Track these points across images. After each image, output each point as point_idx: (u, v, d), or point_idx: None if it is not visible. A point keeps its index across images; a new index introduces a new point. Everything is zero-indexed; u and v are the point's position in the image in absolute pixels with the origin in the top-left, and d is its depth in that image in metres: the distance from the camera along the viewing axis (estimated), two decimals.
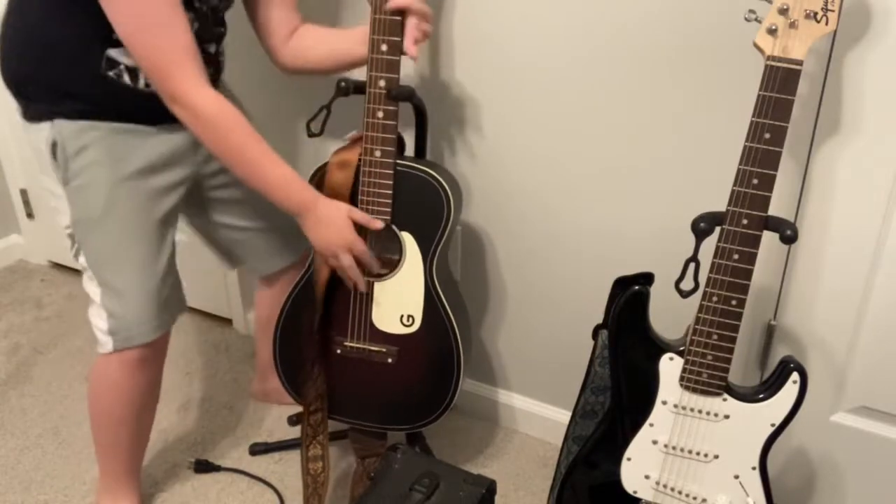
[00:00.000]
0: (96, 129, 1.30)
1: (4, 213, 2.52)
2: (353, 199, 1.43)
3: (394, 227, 1.44)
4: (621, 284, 1.23)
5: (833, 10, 1.03)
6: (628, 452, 1.27)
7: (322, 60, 1.47)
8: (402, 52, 1.33)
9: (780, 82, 1.06)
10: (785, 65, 1.06)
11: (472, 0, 1.51)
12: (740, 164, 1.09)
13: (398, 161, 1.40)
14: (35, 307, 2.35)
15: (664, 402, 1.23)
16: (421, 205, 1.41)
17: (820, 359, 1.46)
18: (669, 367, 1.21)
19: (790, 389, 1.17)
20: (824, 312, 1.43)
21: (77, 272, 2.44)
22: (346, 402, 1.61)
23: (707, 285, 1.15)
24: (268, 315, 1.78)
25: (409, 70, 1.58)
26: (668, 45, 1.38)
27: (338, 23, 1.65)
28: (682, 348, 1.20)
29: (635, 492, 1.29)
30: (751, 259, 1.12)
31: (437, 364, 1.51)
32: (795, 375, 1.16)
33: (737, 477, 1.24)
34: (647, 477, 1.28)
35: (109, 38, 1.23)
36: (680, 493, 1.27)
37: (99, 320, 1.40)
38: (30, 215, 2.51)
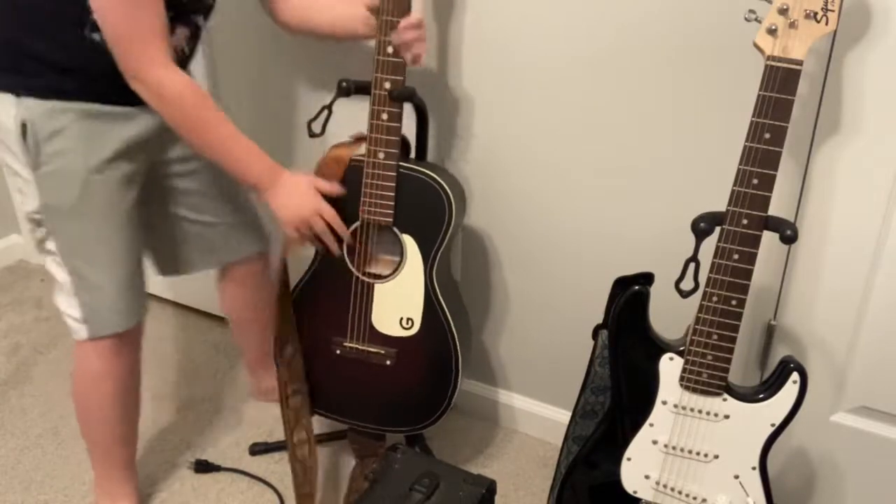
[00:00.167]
0: (68, 111, 1.26)
1: (4, 213, 2.52)
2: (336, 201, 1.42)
3: (395, 229, 1.44)
4: (621, 284, 1.23)
5: (833, 10, 1.03)
6: (628, 452, 1.27)
7: (324, 28, 1.47)
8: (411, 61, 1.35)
9: (780, 82, 1.06)
10: (785, 65, 1.06)
11: (473, 2, 1.51)
12: (740, 164, 1.09)
13: (401, 163, 1.40)
14: (35, 307, 2.35)
15: (664, 402, 1.23)
16: (423, 208, 1.42)
17: (820, 359, 1.46)
18: (669, 367, 1.21)
19: (790, 389, 1.17)
20: (824, 312, 1.43)
21: None
22: (344, 403, 1.61)
23: (707, 285, 1.15)
24: (237, 316, 1.78)
25: (410, 71, 1.58)
26: (668, 45, 1.38)
27: None
28: (682, 348, 1.20)
29: (635, 492, 1.29)
30: (751, 259, 1.12)
31: (436, 367, 1.52)
32: (795, 375, 1.16)
33: (737, 477, 1.24)
34: (647, 477, 1.28)
35: None
36: (680, 493, 1.27)
37: (70, 308, 1.38)
38: None
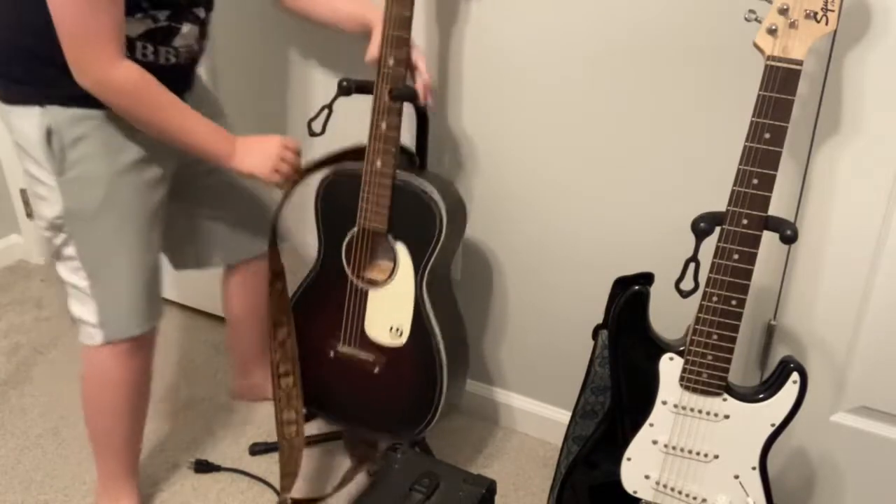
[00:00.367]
0: (91, 117, 1.28)
1: (4, 213, 2.52)
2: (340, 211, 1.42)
3: (390, 237, 1.44)
4: (621, 284, 1.23)
5: (833, 10, 1.03)
6: (628, 452, 1.27)
7: (320, 18, 1.49)
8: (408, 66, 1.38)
9: (780, 82, 1.06)
10: (785, 65, 1.06)
11: (474, 6, 1.51)
12: (740, 164, 1.09)
13: (399, 172, 1.40)
14: (35, 307, 2.35)
15: (664, 402, 1.23)
16: (416, 218, 1.42)
17: (820, 359, 1.46)
18: (669, 367, 1.21)
19: (790, 389, 1.17)
20: (824, 312, 1.43)
21: None
22: (338, 405, 1.62)
23: (707, 285, 1.15)
24: (240, 310, 1.78)
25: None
26: (668, 45, 1.38)
27: None
28: (682, 348, 1.20)
29: (635, 492, 1.29)
30: (751, 259, 1.12)
31: (420, 380, 1.51)
32: (795, 375, 1.16)
33: (737, 477, 1.24)
34: (647, 477, 1.28)
35: None
36: (680, 493, 1.27)
37: (86, 312, 1.39)
38: (30, 215, 2.51)
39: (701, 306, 1.16)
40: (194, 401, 1.97)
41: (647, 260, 1.53)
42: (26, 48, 1.26)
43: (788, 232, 1.11)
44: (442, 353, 1.47)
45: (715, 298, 1.15)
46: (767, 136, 1.07)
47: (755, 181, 1.09)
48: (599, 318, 1.31)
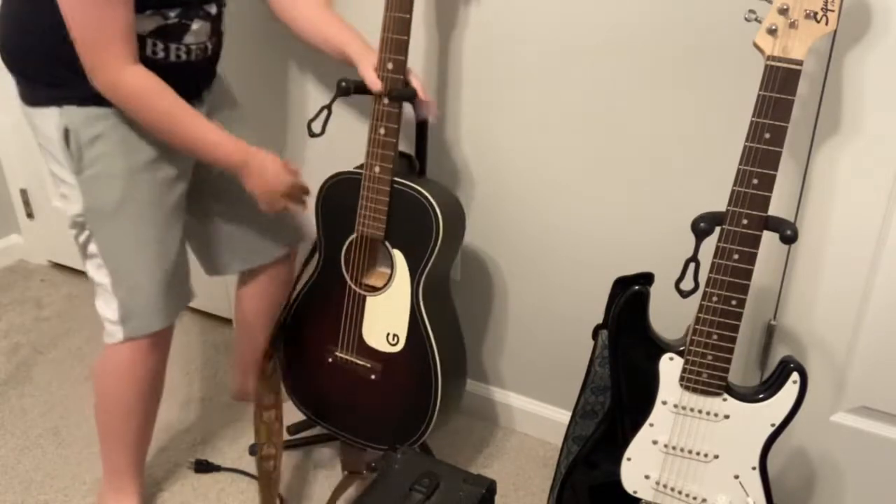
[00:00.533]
0: (107, 116, 1.30)
1: (4, 213, 2.52)
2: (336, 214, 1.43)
3: (387, 243, 1.44)
4: (621, 284, 1.23)
5: (833, 10, 1.03)
6: (628, 452, 1.27)
7: (313, 44, 1.50)
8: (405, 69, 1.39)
9: (780, 82, 1.06)
10: (785, 65, 1.06)
11: (472, 9, 1.51)
12: (740, 164, 1.09)
13: (396, 179, 1.40)
14: (35, 307, 2.35)
15: (664, 402, 1.23)
16: (412, 224, 1.42)
17: (820, 359, 1.46)
18: (669, 367, 1.21)
19: (790, 389, 1.17)
20: (824, 312, 1.43)
21: (77, 272, 2.45)
22: (332, 411, 1.62)
23: (707, 285, 1.15)
24: (249, 313, 1.78)
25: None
26: (668, 45, 1.38)
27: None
28: (682, 348, 1.20)
29: (635, 492, 1.29)
30: (751, 259, 1.12)
31: (416, 389, 1.51)
32: (795, 375, 1.16)
33: (737, 477, 1.24)
34: (647, 477, 1.28)
35: None
36: (680, 493, 1.27)
37: (108, 310, 1.41)
38: (30, 215, 2.51)
39: (701, 306, 1.16)
40: (194, 401, 1.97)
41: (647, 260, 1.53)
42: (43, 50, 1.28)
43: (788, 232, 1.11)
44: (437, 361, 1.47)
45: (715, 298, 1.15)
46: (767, 136, 1.07)
47: (755, 181, 1.09)
48: (599, 318, 1.31)
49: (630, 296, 1.21)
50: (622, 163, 1.51)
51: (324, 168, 1.51)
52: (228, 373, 2.06)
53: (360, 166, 1.44)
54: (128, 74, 1.24)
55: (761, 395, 1.19)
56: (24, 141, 2.31)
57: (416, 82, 1.43)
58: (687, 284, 1.17)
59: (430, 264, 1.43)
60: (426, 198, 1.39)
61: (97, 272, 1.40)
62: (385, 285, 1.47)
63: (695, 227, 1.15)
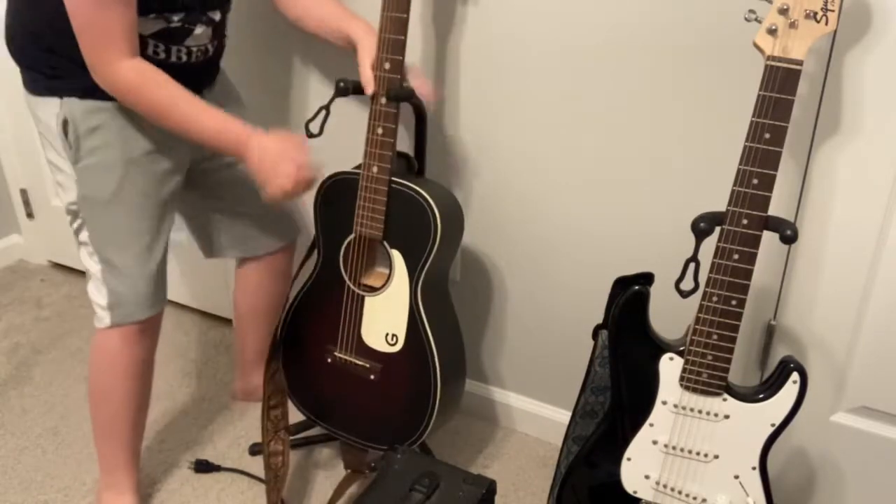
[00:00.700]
0: (106, 109, 1.32)
1: (4, 213, 2.52)
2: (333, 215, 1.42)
3: (385, 243, 1.44)
4: (621, 284, 1.23)
5: (833, 10, 1.03)
6: (628, 452, 1.27)
7: (314, 32, 1.51)
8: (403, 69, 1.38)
9: (780, 82, 1.06)
10: (785, 65, 1.06)
11: (471, 9, 1.51)
12: (740, 164, 1.09)
13: (394, 178, 1.40)
14: (35, 307, 2.35)
15: (664, 402, 1.23)
16: (410, 224, 1.42)
17: (820, 359, 1.46)
18: (669, 367, 1.21)
19: (790, 389, 1.17)
20: (824, 312, 1.43)
21: (77, 272, 2.45)
22: (332, 411, 1.62)
23: (707, 285, 1.15)
24: (248, 309, 1.80)
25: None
26: (668, 45, 1.38)
27: None
28: (682, 348, 1.20)
29: (635, 492, 1.29)
30: (751, 259, 1.12)
31: (415, 389, 1.51)
32: (795, 375, 1.16)
33: (737, 477, 1.24)
34: (647, 477, 1.28)
35: None
36: (680, 493, 1.27)
37: (98, 296, 1.44)
38: (30, 215, 2.51)
39: (701, 306, 1.16)
40: (194, 401, 1.97)
41: (647, 260, 1.53)
42: (46, 41, 1.30)
43: (788, 232, 1.11)
44: (436, 360, 1.47)
45: (715, 298, 1.15)
46: (767, 136, 1.07)
47: (755, 181, 1.09)
48: (599, 318, 1.31)
49: (630, 296, 1.20)
50: (622, 163, 1.51)
51: (323, 168, 1.51)
52: (228, 373, 2.06)
53: (359, 166, 1.44)
54: (127, 68, 1.25)
55: (761, 395, 1.19)
56: (25, 141, 2.32)
57: (415, 81, 1.43)
58: (687, 284, 1.17)
59: (428, 264, 1.43)
60: (424, 198, 1.39)
61: (89, 260, 1.43)
62: (384, 285, 1.47)
63: (695, 227, 1.15)
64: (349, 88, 1.42)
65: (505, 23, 1.50)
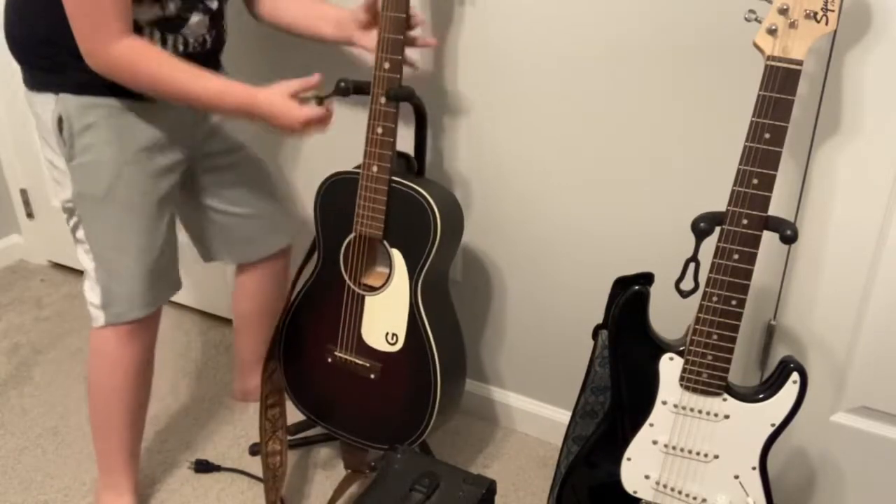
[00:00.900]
0: (101, 105, 1.32)
1: (4, 213, 2.52)
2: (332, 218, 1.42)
3: (385, 243, 1.44)
4: (621, 284, 1.23)
5: (833, 10, 1.03)
6: (628, 452, 1.27)
7: (292, 27, 1.51)
8: (405, 64, 1.38)
9: (780, 82, 1.06)
10: (785, 65, 1.06)
11: (471, 9, 1.51)
12: (740, 164, 1.09)
13: (394, 178, 1.41)
14: (35, 307, 2.35)
15: (664, 402, 1.23)
16: (410, 223, 1.42)
17: (820, 359, 1.46)
18: (669, 367, 1.21)
19: (790, 389, 1.17)
20: (824, 312, 1.43)
21: (76, 272, 2.45)
22: (332, 411, 1.62)
23: (707, 285, 1.15)
24: (247, 312, 1.80)
25: (408, 73, 1.58)
26: (668, 45, 1.38)
27: None
28: (682, 348, 1.20)
29: (635, 492, 1.29)
30: (751, 259, 1.12)
31: (415, 388, 1.51)
32: (795, 375, 1.16)
33: (737, 477, 1.24)
34: (647, 477, 1.28)
35: None
36: (680, 493, 1.27)
37: (92, 295, 1.44)
38: (30, 215, 2.51)
39: (701, 306, 1.16)
40: (194, 401, 1.97)
41: (647, 260, 1.53)
42: (42, 36, 1.30)
43: (788, 232, 1.11)
44: (436, 359, 1.47)
45: (715, 298, 1.15)
46: (767, 136, 1.07)
47: (755, 181, 1.09)
48: (599, 318, 1.31)
49: (630, 296, 1.21)
50: (622, 163, 1.51)
51: (322, 168, 1.51)
52: (228, 373, 2.06)
53: (359, 166, 1.44)
54: (121, 47, 1.24)
55: (761, 395, 1.19)
56: (24, 141, 2.32)
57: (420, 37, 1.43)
58: (687, 284, 1.17)
59: (428, 263, 1.43)
60: (424, 197, 1.40)
61: (84, 257, 1.43)
62: (384, 285, 1.47)
63: (695, 227, 1.15)
64: (349, 88, 1.42)
65: (504, 23, 1.50)
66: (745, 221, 1.11)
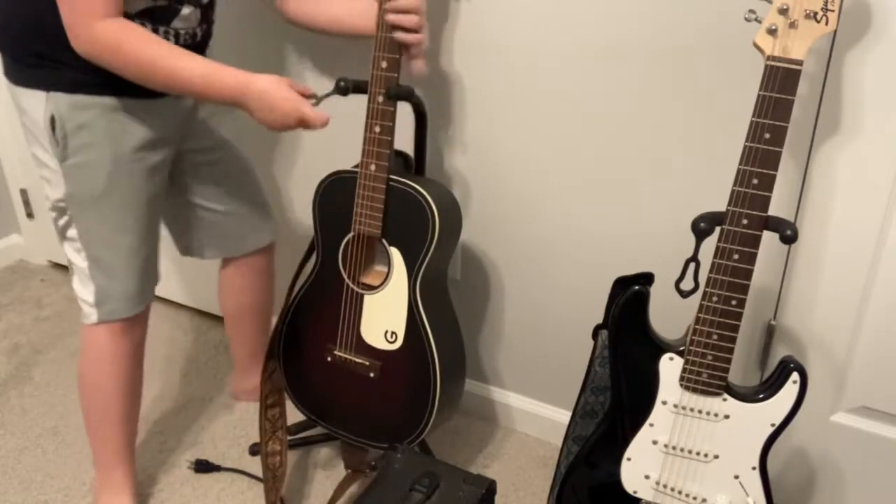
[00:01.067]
0: (93, 105, 1.30)
1: (4, 213, 2.52)
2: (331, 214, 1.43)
3: (384, 241, 1.44)
4: (621, 284, 1.23)
5: (833, 10, 1.03)
6: (628, 452, 1.27)
7: (323, 24, 1.49)
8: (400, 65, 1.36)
9: (780, 82, 1.06)
10: (785, 65, 1.06)
11: (470, 7, 1.51)
12: (740, 164, 1.09)
13: (392, 176, 1.41)
14: (35, 307, 2.35)
15: (664, 402, 1.23)
16: (409, 221, 1.42)
17: (820, 359, 1.46)
18: (669, 367, 1.21)
19: (790, 389, 1.17)
20: (824, 312, 1.43)
21: None
22: (331, 410, 1.62)
23: (707, 285, 1.15)
24: (234, 307, 1.80)
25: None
26: (668, 45, 1.38)
27: None
28: (682, 348, 1.20)
29: (635, 492, 1.29)
30: (751, 259, 1.12)
31: (415, 386, 1.51)
32: (795, 375, 1.16)
33: (737, 477, 1.24)
34: (647, 477, 1.28)
35: None
36: (680, 493, 1.27)
37: (85, 292, 1.43)
38: (30, 215, 2.51)
39: (701, 306, 1.16)
40: (194, 401, 1.97)
41: (647, 260, 1.53)
42: (33, 32, 1.28)
43: (788, 232, 1.11)
44: (436, 357, 1.47)
45: (715, 298, 1.15)
46: (767, 136, 1.07)
47: (755, 181, 1.09)
48: (599, 318, 1.31)
49: (630, 296, 1.21)
50: (622, 163, 1.51)
51: (321, 167, 1.51)
52: (228, 373, 2.06)
53: (358, 165, 1.44)
54: (106, 26, 1.20)
55: (761, 395, 1.19)
56: (24, 141, 2.31)
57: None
58: (687, 284, 1.17)
59: (427, 261, 1.43)
60: (422, 195, 1.40)
61: (76, 255, 1.42)
62: (382, 283, 1.47)
63: (695, 227, 1.15)
64: (349, 87, 1.42)
65: (504, 22, 1.50)
66: (745, 221, 1.11)
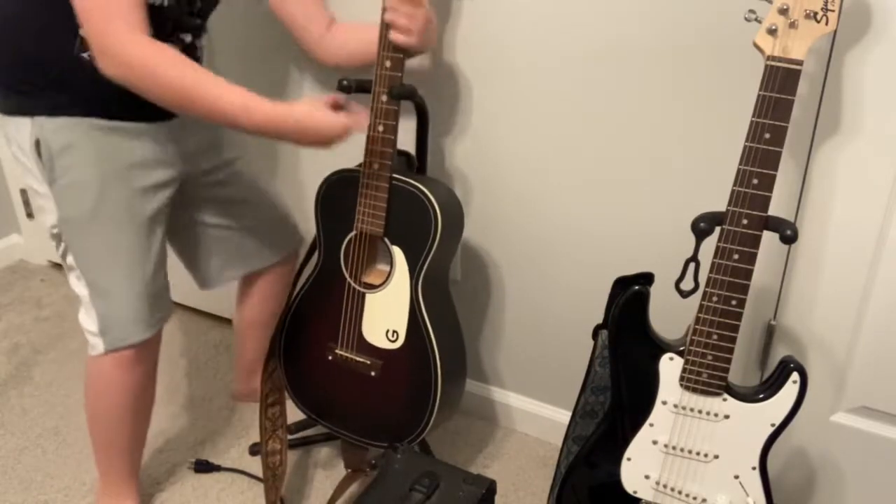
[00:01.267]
0: (78, 126, 1.27)
1: (4, 213, 2.52)
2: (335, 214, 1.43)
3: (386, 240, 1.44)
4: (621, 284, 1.23)
5: (833, 10, 1.03)
6: (628, 452, 1.27)
7: (360, 54, 1.47)
8: (406, 58, 1.36)
9: (780, 82, 1.06)
10: (785, 65, 1.06)
11: (472, 6, 1.51)
12: (740, 164, 1.09)
13: (395, 175, 1.41)
14: (35, 307, 2.35)
15: (664, 402, 1.23)
16: (411, 220, 1.42)
17: (820, 359, 1.46)
18: (669, 367, 1.21)
19: (790, 389, 1.17)
20: (824, 312, 1.43)
21: None
22: (332, 409, 1.62)
23: (707, 285, 1.15)
24: (250, 320, 1.76)
25: (408, 71, 1.58)
26: (668, 45, 1.38)
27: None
28: (682, 348, 1.20)
29: (635, 492, 1.29)
30: (751, 259, 1.12)
31: (416, 385, 1.51)
32: (795, 375, 1.16)
33: (737, 477, 1.24)
34: (647, 477, 1.28)
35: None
36: (680, 493, 1.27)
37: (89, 321, 1.39)
38: (30, 215, 2.51)
39: (701, 306, 1.16)
40: (194, 401, 1.97)
41: (647, 260, 1.53)
42: (15, 57, 1.26)
43: (788, 232, 1.11)
44: (437, 356, 1.47)
45: (715, 298, 1.15)
46: (767, 136, 1.07)
47: (755, 181, 1.09)
48: (599, 318, 1.31)
49: (630, 296, 1.21)
50: (622, 163, 1.51)
51: (323, 166, 1.51)
52: (228, 373, 2.07)
53: (360, 164, 1.44)
54: (138, 42, 1.16)
55: (761, 395, 1.19)
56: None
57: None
58: (687, 284, 1.17)
59: (429, 260, 1.43)
60: (424, 194, 1.40)
61: (77, 284, 1.38)
62: (384, 282, 1.47)
63: (695, 227, 1.15)
64: (352, 87, 1.43)
65: (505, 22, 1.50)
66: (745, 221, 1.11)
